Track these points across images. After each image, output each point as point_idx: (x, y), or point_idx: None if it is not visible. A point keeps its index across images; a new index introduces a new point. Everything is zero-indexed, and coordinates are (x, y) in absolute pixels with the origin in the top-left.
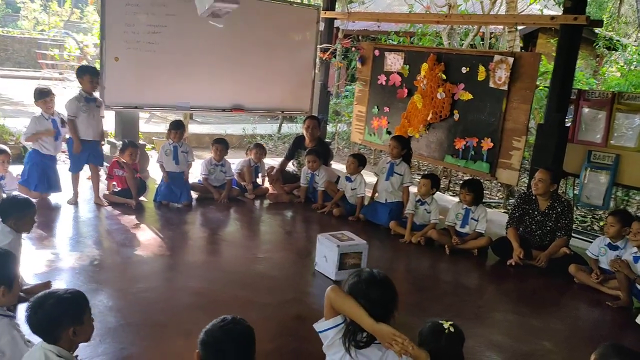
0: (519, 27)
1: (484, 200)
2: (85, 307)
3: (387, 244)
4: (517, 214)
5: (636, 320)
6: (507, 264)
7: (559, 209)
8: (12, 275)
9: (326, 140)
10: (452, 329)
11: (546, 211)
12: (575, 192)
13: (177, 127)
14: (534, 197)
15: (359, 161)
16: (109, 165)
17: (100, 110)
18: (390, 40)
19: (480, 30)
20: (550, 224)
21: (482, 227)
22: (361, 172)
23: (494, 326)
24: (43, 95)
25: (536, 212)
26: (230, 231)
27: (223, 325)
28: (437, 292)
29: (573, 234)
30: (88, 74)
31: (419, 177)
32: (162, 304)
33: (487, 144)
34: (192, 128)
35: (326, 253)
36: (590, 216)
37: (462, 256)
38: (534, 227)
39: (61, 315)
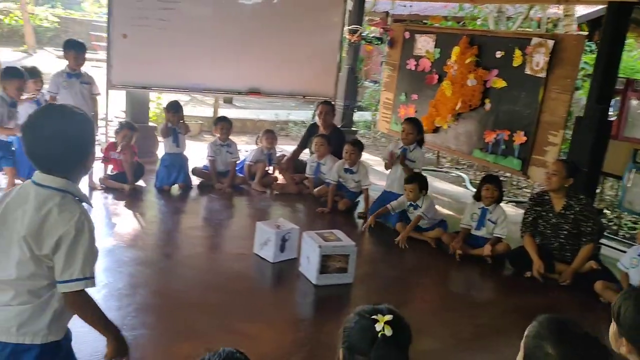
0: (582, 13)
1: (518, 199)
2: None
3: (393, 246)
4: (530, 218)
5: None
6: (525, 276)
7: (577, 208)
8: None
9: (355, 129)
10: (386, 332)
11: (562, 212)
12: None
13: (173, 109)
14: (547, 197)
15: (357, 147)
16: (105, 147)
17: (92, 88)
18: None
19: (537, 15)
20: (567, 226)
21: (501, 232)
22: (361, 160)
23: (492, 351)
24: (35, 75)
25: (551, 214)
26: (222, 223)
27: None
28: (435, 305)
29: (609, 244)
30: (73, 50)
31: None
32: (113, 302)
33: (519, 137)
34: (228, 113)
35: (309, 254)
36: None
37: (475, 264)
38: (549, 232)
39: None
